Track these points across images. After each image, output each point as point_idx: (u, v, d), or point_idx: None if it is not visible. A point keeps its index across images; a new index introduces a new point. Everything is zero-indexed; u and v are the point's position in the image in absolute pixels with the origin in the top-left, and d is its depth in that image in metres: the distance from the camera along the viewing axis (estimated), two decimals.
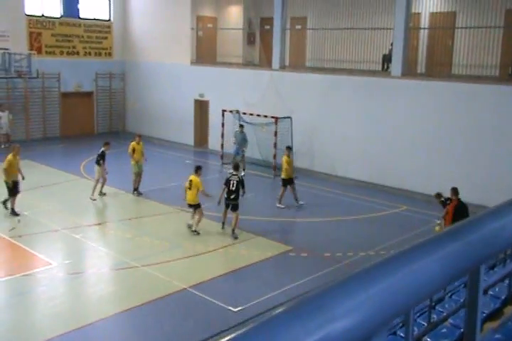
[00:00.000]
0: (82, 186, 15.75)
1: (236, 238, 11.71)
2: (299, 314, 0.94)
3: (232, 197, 11.88)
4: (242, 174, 17.68)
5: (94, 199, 14.30)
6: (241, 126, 18.10)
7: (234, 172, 12.19)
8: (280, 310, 0.95)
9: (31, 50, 21.83)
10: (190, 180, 11.94)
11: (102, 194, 14.59)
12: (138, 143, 14.81)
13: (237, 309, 8.53)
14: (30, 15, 22.05)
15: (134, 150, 14.68)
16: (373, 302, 1.07)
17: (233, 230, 11.80)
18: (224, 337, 0.93)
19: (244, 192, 12.20)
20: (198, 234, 11.86)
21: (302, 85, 18.43)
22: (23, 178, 12.90)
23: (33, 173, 16.61)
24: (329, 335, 0.94)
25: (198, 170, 12.21)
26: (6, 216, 12.69)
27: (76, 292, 9.37)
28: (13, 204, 12.77)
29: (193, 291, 9.16)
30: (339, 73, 17.72)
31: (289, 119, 18.27)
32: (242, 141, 17.93)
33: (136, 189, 14.85)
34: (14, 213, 12.72)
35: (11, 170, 12.68)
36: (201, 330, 7.86)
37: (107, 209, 14.63)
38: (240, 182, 11.98)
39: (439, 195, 11.14)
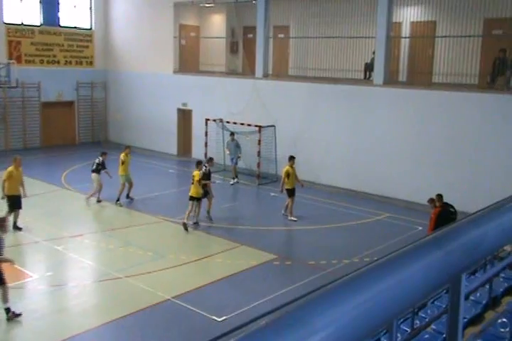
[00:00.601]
0: (63, 197, 15.57)
1: (211, 220, 13.20)
2: (278, 329, 0.92)
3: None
4: (233, 182, 17.65)
5: (100, 201, 14.89)
6: (232, 133, 18.04)
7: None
8: (258, 325, 0.92)
9: (10, 58, 21.60)
10: (193, 175, 13.02)
11: (98, 201, 14.91)
12: (127, 155, 14.92)
13: (222, 319, 8.46)
14: (9, 24, 21.85)
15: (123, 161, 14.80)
16: (355, 314, 1.05)
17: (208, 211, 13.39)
18: None
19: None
20: (198, 224, 12.97)
21: (285, 93, 18.52)
22: (25, 195, 12.40)
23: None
24: None
25: (198, 164, 13.27)
26: None
27: (58, 305, 9.20)
28: (15, 218, 12.30)
29: (177, 301, 9.07)
30: (322, 81, 17.85)
31: (273, 128, 18.31)
32: (235, 148, 17.90)
33: (127, 196, 15.11)
34: (17, 228, 12.27)
35: (12, 183, 12.12)
36: (186, 339, 7.77)
37: (89, 219, 14.45)
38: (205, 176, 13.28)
39: (432, 200, 10.80)
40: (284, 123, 18.30)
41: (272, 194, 16.63)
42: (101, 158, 14.80)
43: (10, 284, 9.51)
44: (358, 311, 1.04)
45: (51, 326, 8.34)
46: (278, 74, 20.24)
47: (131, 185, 15.04)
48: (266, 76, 19.50)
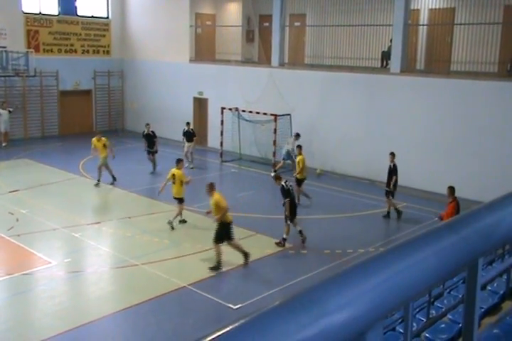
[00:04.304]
0: (81, 185, 15.74)
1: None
2: (291, 308, 0.93)
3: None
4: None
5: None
6: (297, 135, 16.75)
7: None
8: (273, 304, 0.93)
9: (29, 48, 21.77)
10: (173, 174, 12.03)
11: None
12: (98, 140, 15.50)
13: (237, 306, 8.53)
14: (28, 13, 22.00)
15: (95, 146, 15.57)
16: (369, 296, 1.05)
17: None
18: (216, 333, 0.92)
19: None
20: (173, 228, 12.01)
21: (301, 82, 18.41)
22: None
23: (32, 172, 16.62)
24: (323, 330, 0.93)
25: (179, 162, 12.31)
26: (4, 215, 12.67)
27: (76, 290, 9.36)
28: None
29: (193, 289, 9.16)
30: (338, 70, 17.69)
31: (289, 117, 18.24)
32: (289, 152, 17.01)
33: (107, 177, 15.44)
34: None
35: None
36: (201, 328, 7.84)
37: (106, 207, 14.62)
38: None
39: (451, 190, 10.38)
40: (299, 112, 18.22)
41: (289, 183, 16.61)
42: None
43: (29, 270, 9.69)
44: (373, 293, 1.04)
45: (69, 312, 8.49)
46: (294, 63, 20.11)
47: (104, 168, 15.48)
48: (282, 65, 19.39)
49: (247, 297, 8.84)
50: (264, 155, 18.80)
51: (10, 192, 14.25)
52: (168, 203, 13.97)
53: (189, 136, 17.85)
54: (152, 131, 17.28)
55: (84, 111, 24.30)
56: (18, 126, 21.90)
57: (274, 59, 19.39)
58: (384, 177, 16.26)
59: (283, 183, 11.23)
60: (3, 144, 20.35)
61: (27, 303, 8.79)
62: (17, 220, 12.29)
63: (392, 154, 13.29)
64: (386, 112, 16.26)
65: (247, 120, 18.99)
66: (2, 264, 10.22)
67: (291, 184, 11.86)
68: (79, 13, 23.55)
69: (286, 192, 11.15)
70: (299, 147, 14.50)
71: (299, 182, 13.98)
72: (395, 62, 16.25)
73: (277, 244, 11.22)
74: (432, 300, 5.75)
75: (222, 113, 19.49)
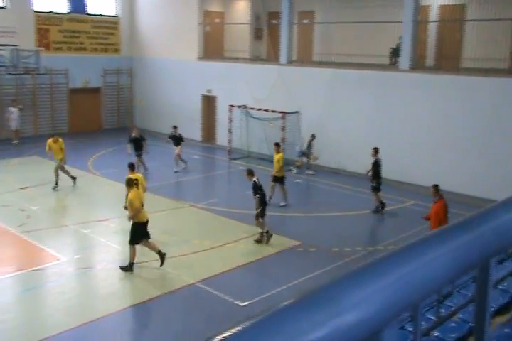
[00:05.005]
0: (90, 182, 15.81)
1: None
2: (306, 306, 0.93)
3: None
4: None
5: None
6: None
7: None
8: (286, 302, 0.93)
9: (39, 46, 21.89)
10: (136, 179, 10.66)
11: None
12: (55, 142, 14.90)
13: (245, 303, 8.55)
14: (38, 12, 22.11)
15: (50, 147, 14.89)
16: (384, 294, 1.05)
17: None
18: (229, 330, 0.92)
19: None
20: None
21: (310, 80, 18.36)
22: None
23: (42, 169, 16.72)
24: (338, 328, 0.93)
25: (131, 167, 11.24)
26: (15, 211, 12.77)
27: (85, 287, 9.42)
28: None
29: (201, 286, 9.19)
30: (347, 67, 17.62)
31: (297, 114, 18.21)
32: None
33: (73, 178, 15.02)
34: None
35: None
36: (209, 325, 7.87)
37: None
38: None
39: (436, 189, 9.89)
40: (308, 110, 18.19)
41: (296, 180, 16.62)
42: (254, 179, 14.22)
43: (40, 266, 9.76)
44: (388, 291, 1.04)
45: (79, 307, 8.55)
46: (302, 60, 20.06)
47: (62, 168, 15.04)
48: (290, 62, 19.34)
49: (255, 294, 8.85)
50: (271, 153, 18.76)
51: (21, 189, 14.35)
52: (176, 199, 14.01)
53: (176, 139, 17.21)
54: (141, 135, 16.49)
55: (93, 108, 24.40)
56: (28, 124, 22.03)
57: (283, 56, 19.35)
58: (392, 175, 16.22)
59: (255, 179, 11.19)
60: (14, 141, 20.49)
61: (37, 299, 8.86)
62: (28, 217, 12.38)
63: (375, 149, 13.64)
64: (394, 109, 16.18)
65: (255, 117, 18.97)
66: (13, 260, 10.31)
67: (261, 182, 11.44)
68: (88, 12, 23.64)
69: (257, 188, 11.11)
70: (277, 145, 14.19)
71: (278, 180, 13.83)
72: (405, 59, 16.16)
73: (258, 241, 11.19)
74: (441, 298, 5.72)
75: (230, 110, 19.49)
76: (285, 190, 13.84)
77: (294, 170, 17.32)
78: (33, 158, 18.64)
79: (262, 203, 11.19)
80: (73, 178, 15.09)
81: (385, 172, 16.38)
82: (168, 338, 7.80)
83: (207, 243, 11.15)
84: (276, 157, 13.70)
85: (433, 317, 5.54)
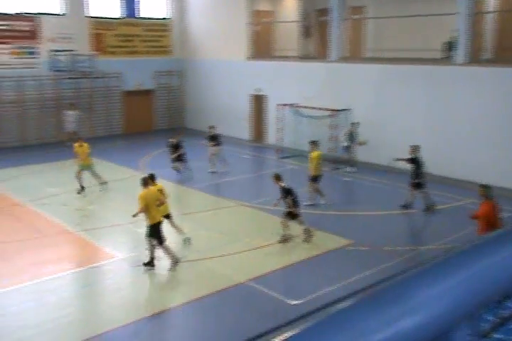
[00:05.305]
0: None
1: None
2: (373, 305, 0.90)
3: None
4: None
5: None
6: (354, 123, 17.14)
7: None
8: (353, 301, 0.90)
9: (94, 50, 22.63)
10: (160, 189, 10.49)
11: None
12: (80, 146, 14.80)
13: (296, 302, 8.52)
14: (93, 17, 22.86)
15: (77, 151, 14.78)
16: (454, 293, 1.00)
17: None
18: (295, 328, 0.90)
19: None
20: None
21: (360, 76, 18.09)
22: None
23: (99, 170, 17.24)
24: (405, 327, 0.89)
25: (150, 179, 10.55)
26: (73, 211, 13.24)
27: (140, 284, 9.64)
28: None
29: (252, 284, 9.22)
30: (398, 62, 17.23)
31: (347, 112, 17.98)
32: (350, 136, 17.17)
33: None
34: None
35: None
36: (260, 323, 7.88)
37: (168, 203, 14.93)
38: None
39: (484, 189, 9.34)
40: (358, 107, 17.92)
41: (345, 179, 16.43)
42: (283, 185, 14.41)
43: (96, 264, 10.07)
44: (457, 290, 0.99)
45: (134, 304, 8.77)
46: (352, 57, 19.77)
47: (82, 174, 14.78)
48: (340, 59, 19.12)
49: (306, 293, 8.80)
50: (324, 152, 18.58)
51: (77, 189, 14.85)
52: (226, 198, 14.12)
53: (213, 139, 16.99)
54: (178, 141, 16.28)
55: (146, 110, 25.00)
56: (84, 126, 22.80)
57: (332, 53, 19.16)
58: (447, 173, 15.72)
59: (283, 184, 11.07)
60: (70, 143, 21.18)
61: (95, 295, 9.15)
62: (84, 216, 12.80)
63: (414, 147, 13.22)
64: (449, 105, 15.69)
65: (305, 116, 18.87)
66: (72, 258, 10.70)
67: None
68: (141, 15, 24.22)
69: (286, 192, 10.97)
70: (314, 143, 13.78)
71: (315, 178, 13.58)
72: (460, 53, 15.64)
73: (283, 241, 11.08)
74: (501, 299, 5.49)
75: (279, 109, 19.48)
76: (318, 188, 13.61)
77: (348, 169, 17.15)
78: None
79: (295, 205, 11.05)
80: (82, 187, 14.90)
81: (441, 170, 15.92)
82: (222, 335, 7.85)
83: (257, 241, 11.18)
84: (313, 155, 13.48)
85: (492, 318, 5.31)
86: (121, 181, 15.82)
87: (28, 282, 9.28)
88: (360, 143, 17.00)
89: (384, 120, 17.40)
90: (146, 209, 9.65)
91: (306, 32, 23.39)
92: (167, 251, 9.92)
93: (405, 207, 13.24)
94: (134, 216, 9.87)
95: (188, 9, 25.09)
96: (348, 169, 17.26)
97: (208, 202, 14.38)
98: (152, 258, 9.85)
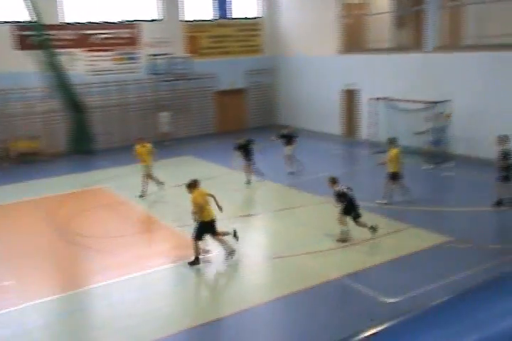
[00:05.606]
0: (236, 179, 16.45)
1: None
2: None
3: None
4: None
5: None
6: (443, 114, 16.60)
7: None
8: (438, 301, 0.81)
9: (189, 53, 23.44)
10: (207, 194, 10.17)
11: None
12: (143, 147, 14.69)
13: (392, 301, 8.23)
14: (187, 21, 23.67)
15: (137, 152, 14.67)
16: None
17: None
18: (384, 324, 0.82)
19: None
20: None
21: (460, 66, 17.13)
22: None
23: (193, 168, 17.86)
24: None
25: (194, 185, 10.11)
26: (171, 207, 13.77)
27: (234, 279, 9.81)
28: None
29: (347, 280, 9.05)
30: (506, 49, 16.04)
31: (448, 103, 17.08)
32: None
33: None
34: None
35: None
36: (354, 320, 7.70)
37: (259, 200, 15.11)
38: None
39: None
40: (459, 99, 16.96)
41: (444, 174, 15.65)
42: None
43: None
44: None
45: (227, 299, 8.94)
46: (451, 46, 18.75)
47: (148, 179, 14.75)
48: (437, 49, 18.21)
49: (402, 291, 8.47)
50: (421, 145, 17.83)
51: (175, 186, 15.44)
52: (318, 194, 13.99)
53: (287, 138, 16.42)
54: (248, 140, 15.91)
55: (238, 108, 25.45)
56: (178, 126, 23.68)
57: (428, 43, 18.30)
58: None
59: (338, 188, 10.71)
60: (166, 143, 22.05)
61: (189, 289, 9.42)
62: (182, 212, 13.25)
63: (502, 137, 12.20)
64: None
65: (400, 109, 18.21)
66: (169, 253, 11.10)
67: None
68: (232, 16, 24.69)
69: (341, 196, 10.64)
70: (392, 140, 13.00)
71: (394, 175, 12.90)
72: None
73: (342, 241, 10.76)
74: None
75: (372, 103, 18.96)
76: (393, 187, 13.04)
77: (431, 166, 16.38)
78: (186, 158, 20.00)
79: (346, 212, 10.70)
80: (161, 183, 15.17)
81: None
82: (313, 332, 7.77)
83: (352, 238, 10.94)
84: (392, 153, 12.84)
85: None
86: (215, 178, 16.21)
87: (134, 274, 9.78)
88: (446, 117, 16.17)
89: (490, 112, 16.32)
90: (200, 208, 9.82)
91: (400, 22, 22.54)
92: (220, 240, 10.13)
93: (498, 203, 12.28)
94: (195, 219, 9.99)
95: (278, 7, 25.18)
96: (447, 164, 16.41)
97: (301, 199, 14.32)
98: (197, 257, 9.94)
